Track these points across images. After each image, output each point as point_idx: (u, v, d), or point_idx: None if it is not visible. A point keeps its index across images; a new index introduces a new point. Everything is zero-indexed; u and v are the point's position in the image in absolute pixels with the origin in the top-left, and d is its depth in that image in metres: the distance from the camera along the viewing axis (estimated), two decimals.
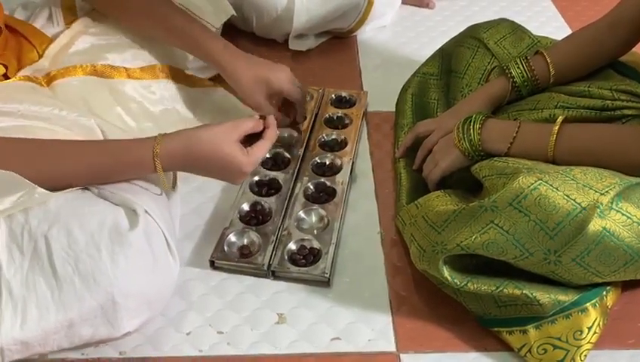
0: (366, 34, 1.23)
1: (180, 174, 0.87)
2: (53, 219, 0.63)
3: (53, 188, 0.63)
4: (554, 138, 0.69)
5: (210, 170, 0.72)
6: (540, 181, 0.62)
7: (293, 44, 1.16)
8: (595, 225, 0.60)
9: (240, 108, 0.96)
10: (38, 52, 0.85)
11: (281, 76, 0.88)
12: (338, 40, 1.22)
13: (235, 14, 1.04)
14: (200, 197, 0.87)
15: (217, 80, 1.00)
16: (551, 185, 0.62)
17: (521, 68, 0.83)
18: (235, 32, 1.18)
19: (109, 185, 0.68)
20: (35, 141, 0.67)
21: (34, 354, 0.63)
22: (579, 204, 0.60)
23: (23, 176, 0.61)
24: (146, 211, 0.67)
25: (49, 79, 0.83)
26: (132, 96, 0.87)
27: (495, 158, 0.72)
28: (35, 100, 0.75)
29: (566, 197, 0.61)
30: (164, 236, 0.68)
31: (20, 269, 0.61)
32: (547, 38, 0.93)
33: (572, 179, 0.62)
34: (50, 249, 0.62)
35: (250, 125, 0.72)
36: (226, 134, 0.69)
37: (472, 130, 0.74)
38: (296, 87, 0.90)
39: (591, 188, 0.61)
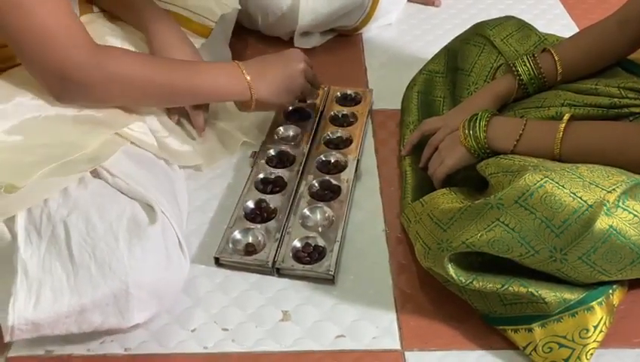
0: (371, 32, 1.23)
1: (186, 173, 0.88)
2: (72, 206, 0.64)
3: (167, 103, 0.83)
4: (560, 136, 0.69)
5: (275, 58, 0.88)
6: (546, 178, 0.62)
7: (299, 42, 1.16)
8: (601, 223, 0.59)
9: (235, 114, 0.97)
10: None
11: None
12: (343, 38, 1.21)
13: (239, 7, 1.04)
14: (205, 194, 0.88)
15: None
16: (557, 183, 0.61)
17: (528, 65, 0.82)
18: (240, 29, 1.18)
19: (124, 176, 0.70)
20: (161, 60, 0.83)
21: (41, 335, 0.63)
22: (585, 201, 0.60)
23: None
24: (161, 209, 0.68)
25: None
26: None
27: (501, 156, 0.72)
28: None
29: (572, 194, 0.60)
30: (176, 234, 0.69)
31: (37, 251, 0.62)
32: (554, 35, 0.92)
33: (578, 177, 0.62)
34: (68, 234, 0.62)
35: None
36: None
37: (477, 128, 0.74)
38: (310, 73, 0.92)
39: (597, 186, 0.61)
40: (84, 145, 0.70)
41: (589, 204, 0.60)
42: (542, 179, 0.62)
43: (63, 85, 0.70)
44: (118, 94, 0.75)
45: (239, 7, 1.04)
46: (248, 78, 0.82)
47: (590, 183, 0.61)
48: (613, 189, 0.60)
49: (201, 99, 0.86)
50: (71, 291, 0.61)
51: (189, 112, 0.88)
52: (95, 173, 0.71)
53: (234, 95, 0.84)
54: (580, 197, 0.60)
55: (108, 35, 0.87)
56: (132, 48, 0.88)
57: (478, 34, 0.92)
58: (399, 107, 1.00)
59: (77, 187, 0.67)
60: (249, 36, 1.21)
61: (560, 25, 1.26)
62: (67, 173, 0.67)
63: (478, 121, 0.74)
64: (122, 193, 0.69)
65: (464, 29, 0.97)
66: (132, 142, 0.76)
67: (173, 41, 0.87)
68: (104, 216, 0.64)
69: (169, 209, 0.70)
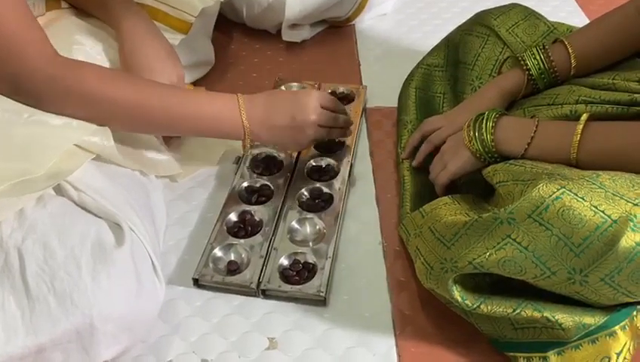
0: (365, 23, 1.15)
1: (163, 182, 0.81)
2: (28, 230, 0.58)
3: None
4: (578, 138, 0.62)
5: (284, 103, 0.74)
6: (564, 189, 0.54)
7: (287, 35, 1.08)
8: (627, 240, 0.52)
9: None
10: None
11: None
12: (335, 30, 1.14)
13: None
14: (184, 205, 0.80)
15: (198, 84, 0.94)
16: (576, 195, 0.54)
17: (538, 58, 0.75)
18: (224, 22, 1.11)
19: (91, 191, 0.63)
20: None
21: None
22: (608, 216, 0.53)
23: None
24: (131, 228, 0.61)
25: None
26: None
27: (511, 161, 0.65)
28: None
29: (594, 208, 0.53)
30: (150, 256, 0.62)
31: None
32: (564, 24, 0.84)
33: (600, 187, 0.55)
34: (23, 263, 0.56)
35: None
36: None
37: (484, 130, 0.67)
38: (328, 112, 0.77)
39: (622, 198, 0.54)
40: (42, 159, 0.62)
41: (613, 218, 0.53)
42: (558, 189, 0.54)
43: (15, 94, 0.64)
44: (77, 111, 0.66)
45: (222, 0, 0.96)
46: (246, 122, 0.71)
47: (613, 195, 0.54)
48: None
49: (183, 130, 0.75)
50: (26, 330, 0.55)
51: None
52: (57, 188, 0.63)
53: (223, 132, 0.73)
54: (603, 211, 0.53)
55: (76, 33, 0.80)
56: (102, 46, 0.80)
57: (481, 24, 0.85)
58: (396, 105, 0.93)
59: (34, 207, 0.60)
60: (233, 29, 1.14)
61: (566, 12, 1.18)
62: (22, 192, 0.60)
63: (484, 122, 0.67)
64: (88, 211, 0.62)
65: (465, 19, 0.90)
66: (95, 155, 0.68)
67: (145, 39, 0.79)
68: (64, 240, 0.57)
69: (141, 227, 0.63)
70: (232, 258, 0.72)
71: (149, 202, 0.72)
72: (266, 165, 0.83)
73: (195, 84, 0.97)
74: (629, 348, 0.59)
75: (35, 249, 0.56)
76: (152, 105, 0.69)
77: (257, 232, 0.74)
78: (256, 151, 0.85)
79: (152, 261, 0.63)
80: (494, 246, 0.57)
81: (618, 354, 0.58)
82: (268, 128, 0.72)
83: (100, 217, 0.62)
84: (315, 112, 0.73)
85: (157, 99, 0.69)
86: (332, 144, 0.87)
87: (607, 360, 0.58)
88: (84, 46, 0.79)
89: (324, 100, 0.76)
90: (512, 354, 0.63)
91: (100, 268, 0.56)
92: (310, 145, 0.80)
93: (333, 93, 0.96)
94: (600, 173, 0.57)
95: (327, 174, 0.82)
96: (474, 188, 0.73)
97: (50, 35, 0.78)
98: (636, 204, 0.53)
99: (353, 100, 0.95)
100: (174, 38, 0.92)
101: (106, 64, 0.80)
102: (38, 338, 0.55)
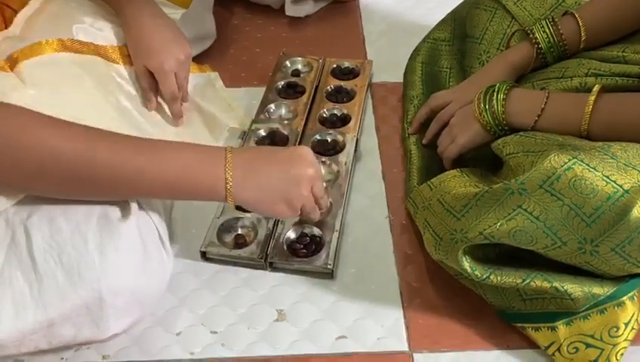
0: None
1: None
2: (33, 206, 0.57)
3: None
4: (590, 109, 0.61)
5: (273, 153, 0.63)
6: (575, 160, 0.54)
7: (290, 10, 1.06)
8: (639, 210, 0.52)
9: (222, 95, 0.88)
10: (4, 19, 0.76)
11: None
12: (339, 5, 1.12)
13: None
14: None
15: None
16: (587, 165, 0.54)
17: (548, 32, 0.74)
18: None
19: None
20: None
21: (8, 356, 0.57)
22: (620, 186, 0.52)
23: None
24: (137, 201, 0.60)
25: (12, 62, 0.72)
26: (110, 76, 0.78)
27: (521, 133, 0.64)
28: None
29: (605, 178, 0.53)
30: (157, 229, 0.61)
31: None
32: None
33: (611, 158, 0.54)
34: (30, 239, 0.55)
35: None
36: None
37: (495, 101, 0.66)
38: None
39: (634, 168, 0.54)
40: None
41: (625, 188, 0.52)
42: (570, 160, 0.54)
43: None
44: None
45: None
46: (229, 176, 0.57)
47: (625, 165, 0.54)
48: None
49: (146, 191, 0.58)
50: (35, 304, 0.54)
51: (165, 100, 0.80)
52: None
53: (198, 193, 0.59)
54: (615, 181, 0.53)
55: (75, 12, 0.78)
56: (103, 23, 0.79)
57: None
58: (401, 80, 0.92)
59: None
60: (236, 5, 1.12)
61: None
62: None
63: (495, 94, 0.67)
64: None
65: None
66: None
67: (150, 20, 0.77)
68: (70, 215, 0.56)
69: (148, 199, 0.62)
70: (240, 232, 0.72)
71: None
72: (271, 139, 0.83)
73: (198, 58, 0.96)
74: (636, 319, 0.59)
75: (42, 225, 0.56)
76: (105, 161, 0.54)
77: None
78: (261, 126, 0.84)
79: (159, 233, 0.62)
80: (505, 217, 0.57)
81: (626, 324, 0.59)
82: (253, 182, 0.59)
83: None
84: (312, 167, 0.62)
85: (105, 151, 0.54)
86: (337, 118, 0.86)
87: (615, 330, 0.59)
88: (84, 24, 0.77)
89: (317, 163, 0.64)
90: (520, 325, 0.63)
91: (107, 241, 0.56)
92: (294, 216, 0.64)
93: (338, 68, 0.95)
94: (612, 143, 0.57)
95: (333, 149, 0.82)
96: (481, 163, 0.73)
97: (49, 15, 0.77)
98: None
99: (358, 75, 0.94)
100: (175, 13, 0.90)
101: (112, 41, 0.78)
102: (47, 313, 0.54)
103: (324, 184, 0.69)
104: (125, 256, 0.56)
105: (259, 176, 0.60)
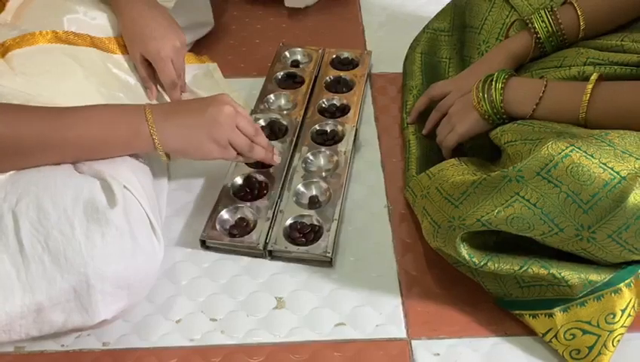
0: None
1: None
2: (22, 192, 0.57)
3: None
4: (587, 98, 0.61)
5: (191, 108, 0.66)
6: (572, 147, 0.54)
7: (290, 1, 1.07)
8: (635, 196, 0.52)
9: (222, 86, 0.88)
10: None
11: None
12: None
13: None
14: (189, 170, 0.80)
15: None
16: (585, 152, 0.54)
17: (546, 21, 0.74)
18: None
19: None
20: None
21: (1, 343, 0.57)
22: (617, 173, 0.53)
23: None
24: (125, 187, 0.60)
25: (4, 50, 0.72)
26: (105, 67, 0.77)
27: (519, 122, 0.64)
28: None
29: (602, 165, 0.53)
30: (147, 215, 0.61)
31: None
32: None
33: (609, 145, 0.55)
34: (17, 225, 0.56)
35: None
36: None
37: (493, 90, 0.66)
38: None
39: (631, 155, 0.54)
40: None
41: (622, 175, 0.53)
42: (567, 147, 0.54)
43: None
44: None
45: None
46: (150, 118, 0.62)
47: (622, 152, 0.54)
48: None
49: (76, 152, 0.62)
50: (23, 287, 0.55)
51: (165, 88, 0.80)
52: None
53: (126, 146, 0.63)
54: (612, 168, 0.53)
55: (69, 1, 0.78)
56: (96, 12, 0.78)
57: None
58: (401, 70, 0.92)
59: (27, 170, 0.59)
60: None
61: None
62: None
63: (494, 83, 0.67)
64: (81, 172, 0.61)
65: None
66: None
67: (144, 8, 0.77)
68: (57, 200, 0.57)
69: (137, 185, 0.62)
70: (239, 220, 0.72)
71: (149, 161, 0.71)
72: (270, 129, 0.83)
73: (197, 48, 0.96)
74: (633, 305, 0.60)
75: (29, 210, 0.56)
76: (29, 129, 0.58)
77: (263, 195, 0.74)
78: (260, 116, 0.84)
79: (150, 220, 0.61)
80: (503, 204, 0.57)
81: (623, 311, 0.59)
82: (174, 125, 0.63)
83: (93, 176, 0.60)
84: (230, 104, 0.66)
85: (27, 125, 0.58)
86: (336, 108, 0.87)
87: (612, 316, 0.59)
88: (77, 14, 0.77)
89: (236, 103, 0.68)
90: (517, 312, 0.63)
91: (94, 227, 0.56)
92: (230, 155, 0.68)
93: (337, 58, 0.95)
94: (609, 131, 0.57)
95: (332, 139, 0.82)
96: (480, 153, 0.73)
97: (42, 3, 0.77)
98: None
99: (358, 66, 0.94)
100: (169, 0, 0.90)
101: (107, 31, 0.78)
102: (35, 297, 0.55)
103: (255, 122, 0.73)
104: (112, 241, 0.56)
105: (179, 120, 0.64)
